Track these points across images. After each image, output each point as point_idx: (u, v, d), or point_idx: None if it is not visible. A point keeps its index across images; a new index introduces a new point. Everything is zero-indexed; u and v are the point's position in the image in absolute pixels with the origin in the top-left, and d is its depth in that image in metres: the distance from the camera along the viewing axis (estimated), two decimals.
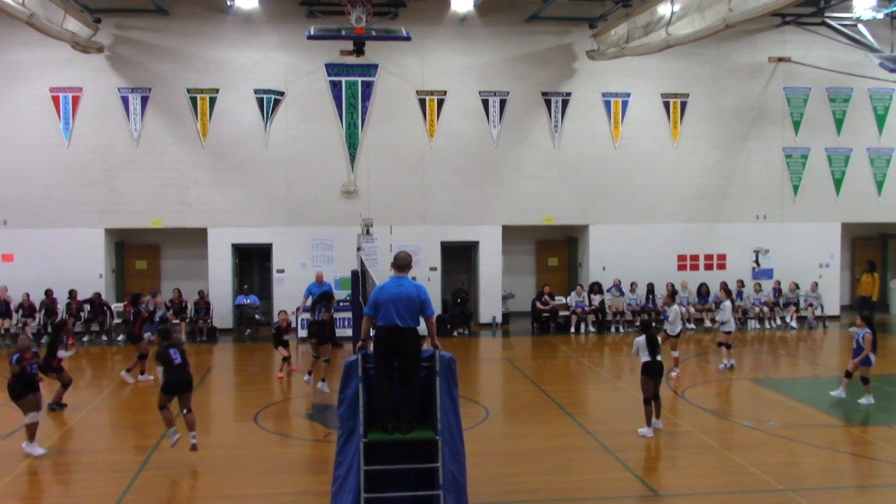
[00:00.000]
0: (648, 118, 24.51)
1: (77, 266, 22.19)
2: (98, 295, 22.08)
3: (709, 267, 24.90)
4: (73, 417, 14.75)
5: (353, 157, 23.42)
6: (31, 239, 22.40)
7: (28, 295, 21.85)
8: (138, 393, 16.56)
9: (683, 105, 24.57)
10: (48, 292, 21.96)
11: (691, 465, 11.83)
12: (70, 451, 12.98)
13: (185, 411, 12.06)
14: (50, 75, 22.41)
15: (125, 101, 22.73)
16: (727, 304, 18.19)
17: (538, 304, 23.51)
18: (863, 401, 14.89)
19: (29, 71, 22.35)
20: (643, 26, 19.71)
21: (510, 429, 14.07)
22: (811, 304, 24.16)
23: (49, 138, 22.49)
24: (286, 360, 17.93)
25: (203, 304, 22.62)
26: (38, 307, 21.95)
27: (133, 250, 24.52)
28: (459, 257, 24.70)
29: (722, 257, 24.99)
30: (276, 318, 19.31)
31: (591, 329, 23.26)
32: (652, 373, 13.17)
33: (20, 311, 21.78)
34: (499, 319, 24.16)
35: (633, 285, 23.85)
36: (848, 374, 15.20)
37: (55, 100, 22.50)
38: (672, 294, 21.51)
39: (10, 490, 10.87)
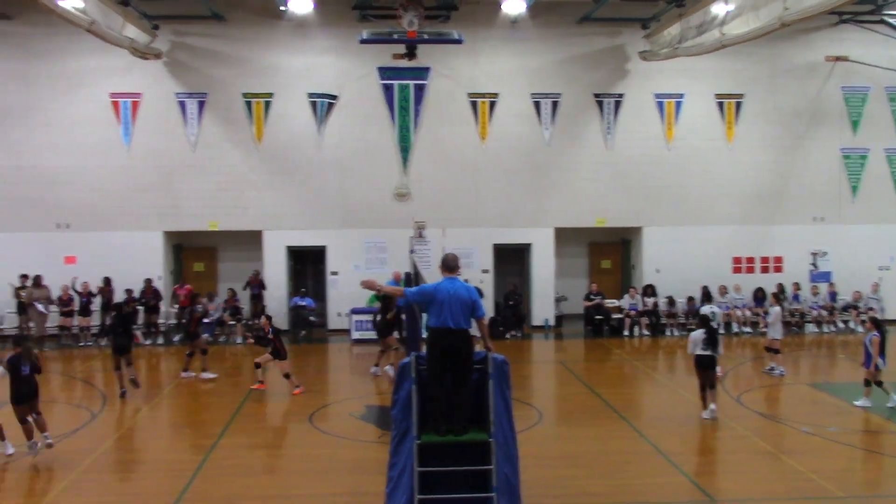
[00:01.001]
0: (702, 119, 24.22)
1: (137, 268, 22.62)
2: (150, 287, 22.37)
3: (765, 270, 24.51)
4: (132, 417, 15.08)
5: (405, 160, 23.55)
6: (92, 241, 22.93)
7: (87, 283, 22.21)
8: (195, 393, 16.86)
9: (738, 105, 24.23)
10: (107, 280, 22.25)
11: (748, 470, 11.66)
12: (129, 450, 13.29)
13: (34, 415, 12.06)
14: (110, 81, 22.92)
15: (182, 105, 23.16)
16: (776, 309, 17.94)
17: (585, 302, 23.38)
18: (859, 403, 14.75)
19: (90, 77, 22.88)
20: (697, 26, 19.49)
21: (564, 432, 14.02)
22: (871, 307, 23.63)
23: (110, 143, 23.01)
24: (258, 366, 16.79)
25: (256, 282, 23.07)
26: (95, 294, 22.17)
27: (191, 252, 24.97)
28: (512, 259, 24.67)
29: (778, 260, 24.57)
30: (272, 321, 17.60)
31: (645, 332, 23.05)
32: (702, 365, 14.00)
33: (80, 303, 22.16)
34: (551, 322, 24.08)
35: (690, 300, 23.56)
36: (868, 383, 14.90)
37: (115, 105, 23.01)
38: (777, 294, 20.53)
39: (73, 487, 11.16)
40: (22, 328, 21.79)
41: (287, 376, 16.47)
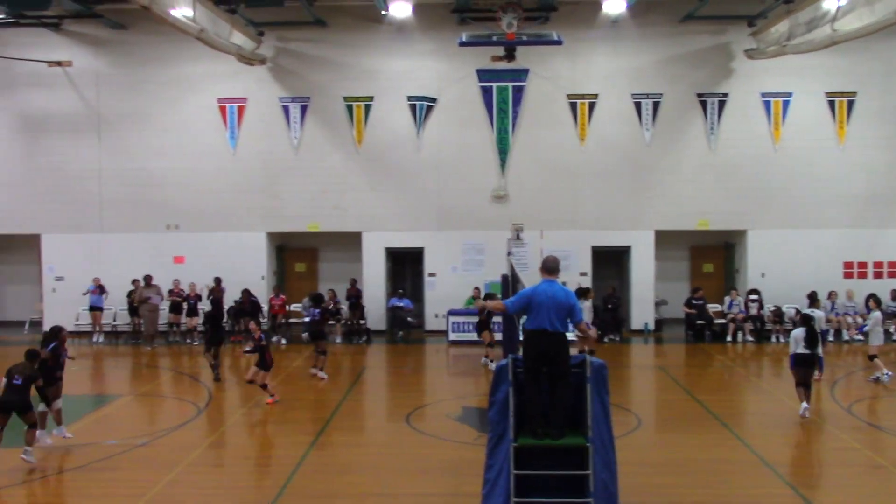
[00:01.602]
0: (811, 118, 23.37)
1: (241, 268, 23.27)
2: (247, 298, 22.59)
3: (878, 275, 23.47)
4: (235, 413, 15.50)
5: (503, 162, 23.52)
6: (199, 242, 23.71)
7: (195, 284, 22.94)
8: (296, 391, 17.21)
9: (850, 104, 23.29)
10: (217, 279, 22.74)
11: (859, 484, 11.18)
12: (233, 445, 13.66)
13: (27, 427, 11.98)
14: (217, 87, 23.66)
15: (286, 109, 23.71)
16: (877, 315, 17.24)
17: (686, 308, 22.86)
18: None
19: (198, 83, 23.67)
20: (806, 23, 18.84)
21: (663, 438, 13.75)
22: None
23: (216, 147, 23.74)
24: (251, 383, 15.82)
25: (354, 292, 23.33)
26: (205, 296, 22.69)
27: (293, 253, 25.54)
28: (611, 262, 24.34)
29: (893, 265, 23.50)
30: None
31: (749, 338, 22.39)
32: (801, 363, 14.10)
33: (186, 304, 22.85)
34: (651, 326, 23.65)
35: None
36: None
37: (222, 110, 23.73)
38: (877, 298, 19.73)
39: (179, 479, 11.54)
40: (136, 325, 22.82)
41: (264, 386, 15.62)
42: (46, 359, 12.99)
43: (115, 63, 23.78)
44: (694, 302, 22.89)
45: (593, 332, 17.73)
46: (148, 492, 10.95)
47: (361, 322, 23.14)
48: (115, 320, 23.60)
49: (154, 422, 14.91)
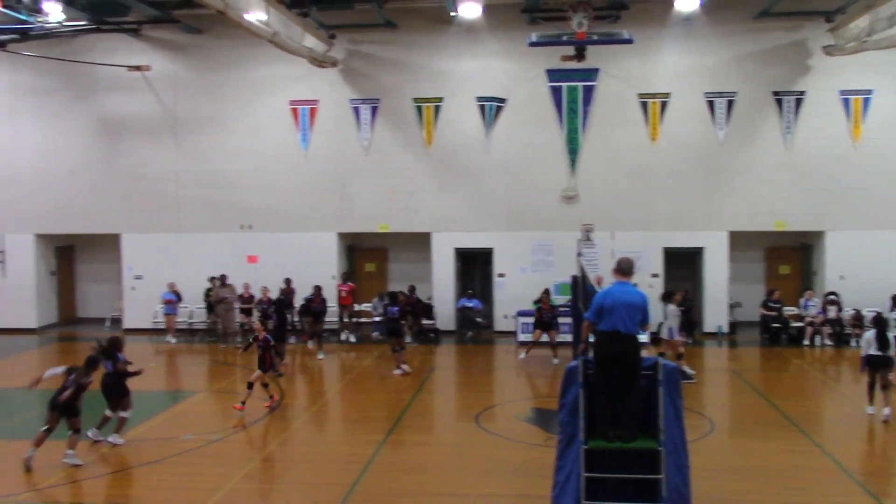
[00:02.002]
0: (893, 116, 22.65)
1: (313, 268, 23.56)
2: (319, 296, 22.07)
3: None
4: (307, 411, 15.72)
5: (573, 162, 23.36)
6: (272, 242, 24.12)
7: (267, 289, 23.11)
8: (366, 390, 17.39)
9: None
10: (287, 280, 22.78)
11: None
12: (304, 443, 13.86)
13: (70, 432, 12.14)
14: (290, 89, 24.03)
15: (356, 111, 23.95)
16: None
17: (763, 310, 22.36)
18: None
19: (271, 86, 24.07)
20: (888, 17, 18.23)
21: (737, 443, 13.48)
22: None
23: (288, 148, 24.12)
24: (251, 387, 15.20)
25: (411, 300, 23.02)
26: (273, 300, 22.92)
27: (363, 253, 25.79)
28: (683, 264, 23.96)
29: None
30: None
31: (827, 342, 21.81)
32: (873, 365, 14.13)
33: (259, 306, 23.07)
34: (725, 329, 23.20)
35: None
36: None
37: (294, 112, 24.09)
38: None
39: (252, 475, 11.77)
40: (214, 324, 23.24)
41: (250, 385, 15.14)
42: (123, 371, 13.37)
43: (192, 67, 24.34)
44: (771, 304, 22.38)
45: (679, 338, 17.55)
46: (223, 486, 11.19)
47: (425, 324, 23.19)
48: (191, 318, 24.09)
49: (228, 418, 15.22)
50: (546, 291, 22.22)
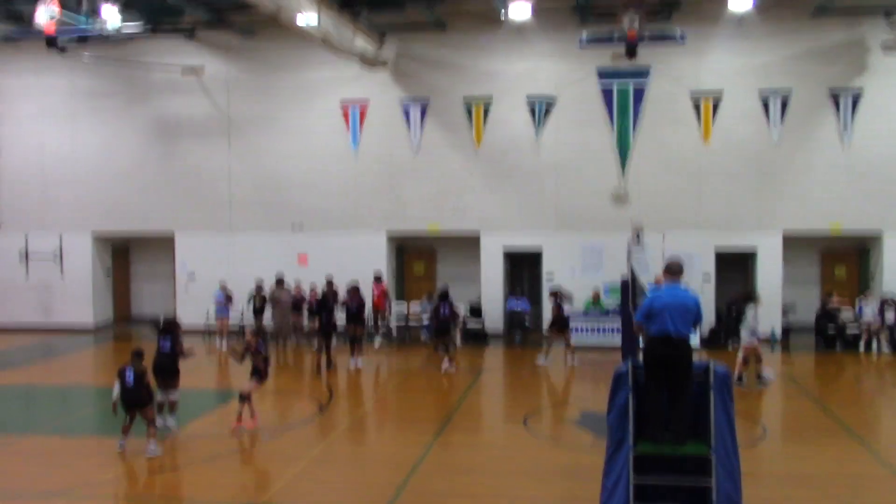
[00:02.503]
0: None
1: (362, 268, 23.61)
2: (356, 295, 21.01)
3: None
4: (357, 410, 15.82)
5: (623, 162, 23.17)
6: (322, 242, 24.33)
7: (315, 290, 23.15)
8: (416, 390, 17.44)
9: None
10: (329, 282, 21.80)
11: None
12: (354, 442, 13.95)
13: (148, 424, 12.51)
14: (340, 90, 24.21)
15: (406, 111, 24.05)
16: None
17: (825, 308, 21.87)
18: None
19: (322, 87, 24.29)
20: None
21: (790, 450, 13.25)
22: None
23: (339, 149, 24.31)
24: (245, 399, 13.91)
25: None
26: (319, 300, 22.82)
27: (412, 254, 25.89)
28: (735, 266, 23.60)
29: None
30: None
31: (884, 348, 21.29)
32: None
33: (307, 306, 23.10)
34: (778, 333, 22.80)
35: None
36: None
37: (345, 113, 24.27)
38: None
39: (303, 474, 11.87)
40: (259, 327, 23.20)
41: (242, 398, 14.00)
42: (180, 350, 13.82)
43: (245, 69, 24.66)
44: (827, 308, 21.92)
45: (756, 342, 17.25)
46: (273, 485, 11.32)
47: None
48: (242, 319, 24.18)
49: (278, 417, 15.38)
50: (595, 292, 22.19)
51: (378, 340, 22.55)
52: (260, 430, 13.77)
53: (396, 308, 23.99)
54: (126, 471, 12.01)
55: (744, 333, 17.41)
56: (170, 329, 13.98)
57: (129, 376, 12.54)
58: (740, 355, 17.34)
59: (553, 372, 20.13)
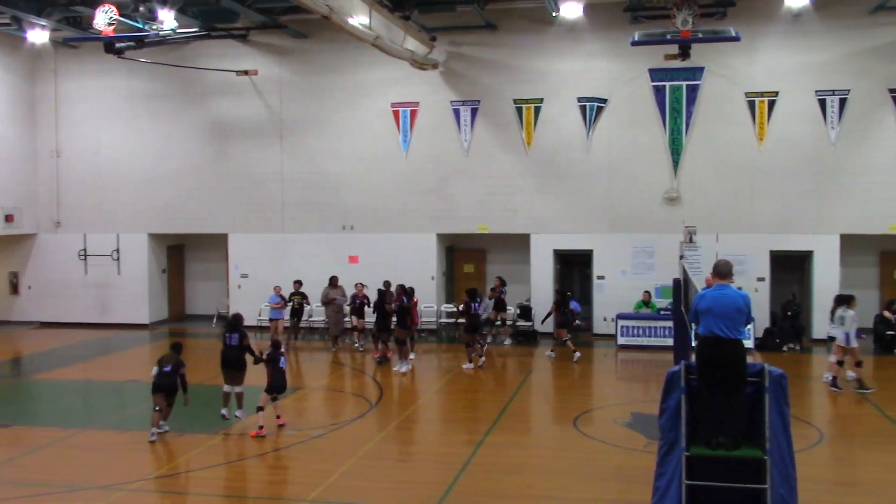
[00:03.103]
0: None
1: (412, 269, 23.77)
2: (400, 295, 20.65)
3: None
4: (406, 409, 15.88)
5: (676, 163, 22.91)
6: (372, 243, 24.47)
7: (362, 285, 22.92)
8: (465, 390, 17.45)
9: None
10: (386, 283, 21.63)
11: None
12: (404, 441, 14.02)
13: (156, 409, 13.61)
14: (391, 92, 24.32)
15: (456, 113, 24.07)
16: None
17: (885, 314, 21.35)
18: None
19: (373, 89, 24.43)
20: None
21: (847, 455, 12.99)
22: None
23: (389, 150, 24.42)
24: (260, 409, 13.86)
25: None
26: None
27: (461, 254, 25.91)
28: (790, 267, 23.19)
29: None
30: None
31: None
32: None
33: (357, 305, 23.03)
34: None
35: None
36: None
37: (395, 114, 24.38)
38: None
39: (353, 470, 11.97)
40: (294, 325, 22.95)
41: (260, 409, 13.89)
42: (247, 345, 14.47)
43: (297, 71, 24.92)
44: (887, 312, 21.39)
45: (856, 343, 16.94)
46: (323, 481, 11.42)
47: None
48: (307, 316, 24.10)
49: (329, 415, 15.50)
50: (647, 294, 22.02)
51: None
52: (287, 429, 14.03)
53: (445, 308, 24.06)
54: (179, 466, 12.22)
55: (839, 335, 17.05)
56: (237, 326, 14.48)
57: (168, 365, 13.63)
58: (833, 358, 17.07)
59: (602, 372, 20.03)
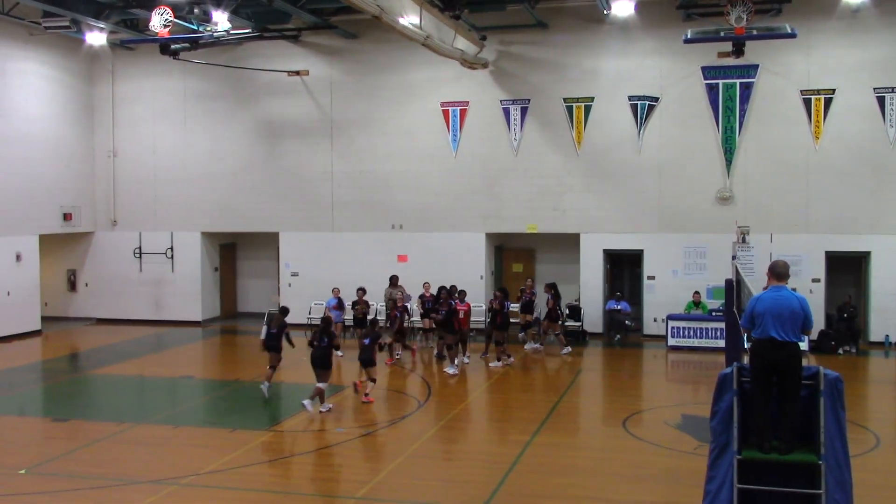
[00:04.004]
0: None
1: (461, 268, 23.77)
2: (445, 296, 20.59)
3: None
4: (454, 409, 15.88)
5: (729, 162, 22.58)
6: (421, 242, 24.53)
7: (428, 284, 22.74)
8: (512, 390, 17.41)
9: None
10: (426, 285, 21.99)
11: None
12: (451, 440, 14.03)
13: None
14: (441, 91, 24.36)
15: (506, 112, 24.01)
16: None
17: None
18: None
19: (423, 88, 24.49)
20: None
21: None
22: None
23: (439, 149, 24.46)
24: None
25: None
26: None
27: (510, 254, 25.84)
28: (846, 268, 22.70)
29: None
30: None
31: None
32: None
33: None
34: (893, 338, 21.82)
35: None
36: None
37: (445, 113, 24.40)
38: None
39: (401, 469, 12.02)
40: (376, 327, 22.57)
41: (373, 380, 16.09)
42: (337, 345, 16.74)
43: (348, 71, 25.09)
44: None
45: None
46: (371, 479, 11.49)
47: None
48: (375, 314, 24.01)
49: (378, 413, 15.59)
50: (697, 295, 21.74)
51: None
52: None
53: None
54: (231, 461, 12.38)
55: None
56: (328, 329, 15.59)
57: (275, 327, 16.26)
58: None
59: (652, 374, 19.83)
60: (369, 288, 22.27)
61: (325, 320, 16.11)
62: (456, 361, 18.96)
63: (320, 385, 15.08)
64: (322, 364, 15.22)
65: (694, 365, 20.08)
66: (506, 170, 24.00)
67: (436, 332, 20.75)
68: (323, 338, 15.43)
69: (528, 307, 22.00)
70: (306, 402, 14.86)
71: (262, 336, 16.68)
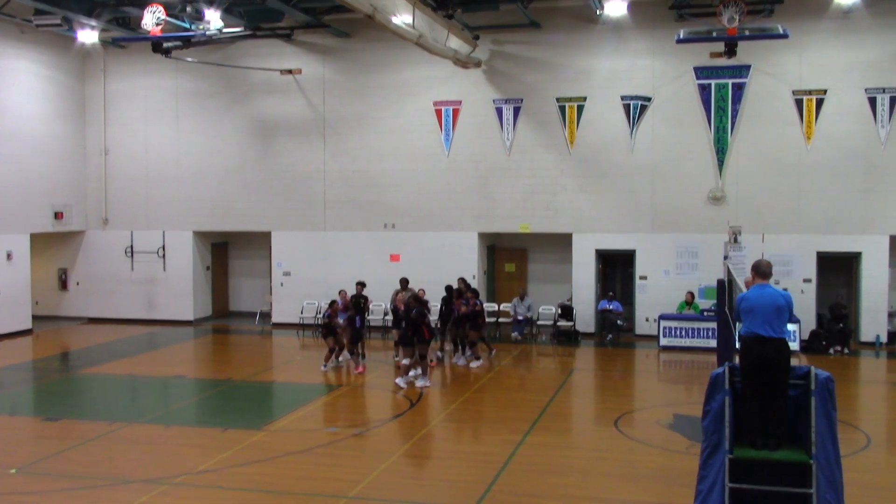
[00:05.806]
0: None
1: (453, 267, 23.72)
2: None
3: None
4: (446, 409, 15.90)
5: (721, 163, 22.64)
6: (413, 241, 24.52)
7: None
8: (505, 389, 17.42)
9: None
10: (448, 288, 21.09)
11: None
12: (443, 439, 14.04)
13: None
14: (433, 90, 24.35)
15: (499, 111, 24.02)
16: None
17: None
18: None
19: (416, 87, 24.48)
20: None
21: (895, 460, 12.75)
22: None
23: (432, 149, 24.45)
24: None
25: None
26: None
27: (503, 253, 25.85)
28: (838, 269, 22.79)
29: None
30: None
31: None
32: None
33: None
34: (883, 339, 21.91)
35: None
36: None
37: (438, 113, 24.40)
38: None
39: (392, 468, 12.01)
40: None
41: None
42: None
43: (340, 70, 25.06)
44: None
45: None
46: (364, 478, 11.48)
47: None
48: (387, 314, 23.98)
49: (371, 412, 15.57)
50: (690, 294, 21.80)
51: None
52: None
53: (487, 307, 24.01)
54: (223, 460, 12.36)
55: None
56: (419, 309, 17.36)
57: (327, 311, 18.72)
58: None
59: (644, 374, 19.87)
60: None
61: (417, 298, 17.96)
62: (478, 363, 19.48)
63: (404, 361, 17.28)
64: (407, 342, 17.29)
65: (686, 365, 20.13)
66: (498, 169, 24.01)
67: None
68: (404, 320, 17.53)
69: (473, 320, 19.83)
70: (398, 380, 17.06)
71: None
